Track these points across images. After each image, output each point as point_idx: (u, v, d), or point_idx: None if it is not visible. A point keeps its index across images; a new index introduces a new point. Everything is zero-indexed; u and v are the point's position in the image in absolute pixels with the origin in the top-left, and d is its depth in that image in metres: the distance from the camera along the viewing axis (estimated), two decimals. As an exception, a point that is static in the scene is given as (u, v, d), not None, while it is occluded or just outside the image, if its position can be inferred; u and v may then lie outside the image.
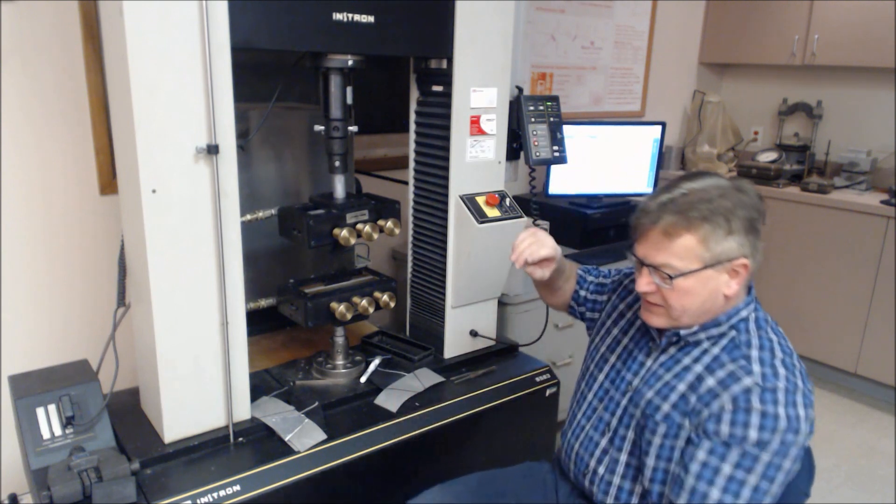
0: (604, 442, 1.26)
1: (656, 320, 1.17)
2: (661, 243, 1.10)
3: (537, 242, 1.30)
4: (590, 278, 1.47)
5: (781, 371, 1.07)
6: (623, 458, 1.22)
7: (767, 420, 1.02)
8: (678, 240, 1.08)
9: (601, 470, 1.25)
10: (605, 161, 2.81)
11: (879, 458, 2.72)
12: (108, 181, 1.82)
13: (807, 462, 1.18)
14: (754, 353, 1.10)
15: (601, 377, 1.31)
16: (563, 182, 2.75)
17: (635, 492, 1.20)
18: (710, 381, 1.10)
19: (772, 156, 3.52)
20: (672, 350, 1.19)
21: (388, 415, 1.52)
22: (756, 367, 1.07)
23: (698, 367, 1.13)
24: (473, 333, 1.82)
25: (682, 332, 1.16)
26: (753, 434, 1.02)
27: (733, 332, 1.14)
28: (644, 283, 1.14)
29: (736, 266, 1.09)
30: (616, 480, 1.22)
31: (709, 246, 1.07)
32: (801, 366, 1.11)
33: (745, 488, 1.02)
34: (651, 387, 1.18)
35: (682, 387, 1.13)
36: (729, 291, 1.11)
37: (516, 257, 1.29)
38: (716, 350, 1.13)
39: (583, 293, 1.47)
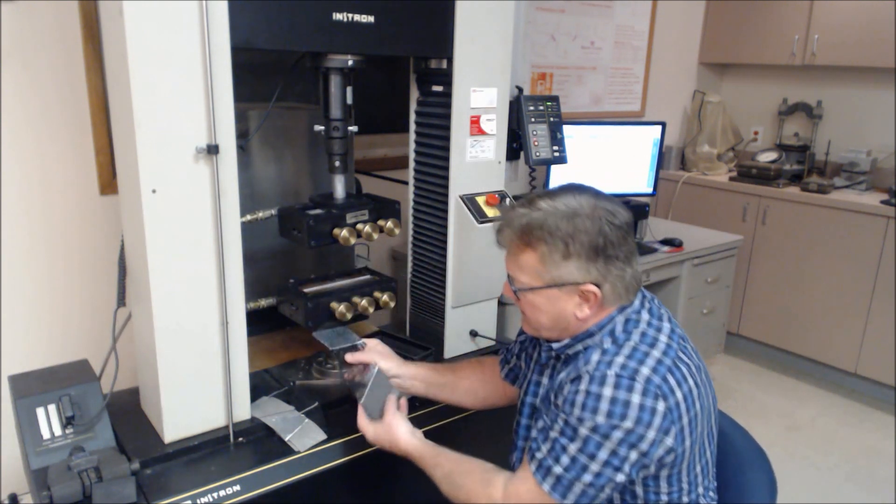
0: None
1: (525, 327, 1.21)
2: (512, 254, 1.14)
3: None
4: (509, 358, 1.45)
5: (619, 360, 1.05)
6: None
7: (590, 400, 1.02)
8: (521, 255, 1.11)
9: None
10: (605, 161, 2.81)
11: (879, 458, 2.72)
12: (108, 181, 1.82)
13: (764, 476, 1.16)
14: (606, 345, 1.10)
15: (522, 419, 1.30)
16: (562, 182, 2.75)
17: None
18: (562, 375, 1.11)
19: (772, 156, 3.53)
20: (558, 365, 1.19)
21: (388, 415, 1.52)
22: (594, 357, 1.07)
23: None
24: (473, 333, 1.82)
25: (555, 346, 1.17)
26: (577, 412, 1.03)
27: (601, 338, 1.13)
28: (505, 289, 1.18)
29: (585, 290, 1.08)
30: None
31: (547, 267, 1.09)
32: (662, 354, 1.06)
33: (564, 455, 1.04)
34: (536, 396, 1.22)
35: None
36: (581, 314, 1.11)
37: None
38: None
39: (511, 358, 1.44)
